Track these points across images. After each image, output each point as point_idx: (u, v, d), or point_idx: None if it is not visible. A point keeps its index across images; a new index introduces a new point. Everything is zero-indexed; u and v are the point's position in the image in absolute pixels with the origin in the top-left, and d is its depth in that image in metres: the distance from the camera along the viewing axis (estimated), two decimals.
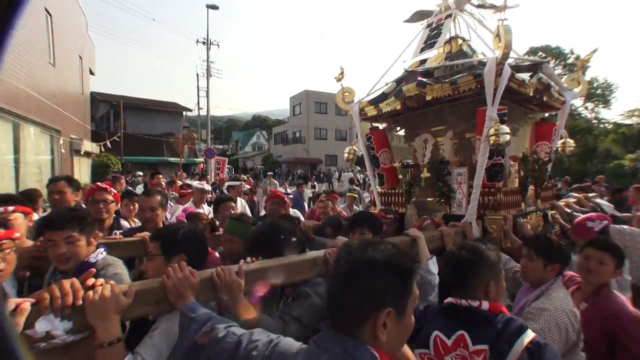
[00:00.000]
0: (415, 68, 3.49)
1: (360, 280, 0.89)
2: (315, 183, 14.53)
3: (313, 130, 35.68)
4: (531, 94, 3.02)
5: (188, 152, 22.04)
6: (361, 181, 15.70)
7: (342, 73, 3.63)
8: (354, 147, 3.89)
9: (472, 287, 1.38)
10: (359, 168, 18.65)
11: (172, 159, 21.50)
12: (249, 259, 1.52)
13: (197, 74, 21.28)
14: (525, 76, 3.02)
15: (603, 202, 5.63)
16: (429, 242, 2.12)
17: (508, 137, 2.44)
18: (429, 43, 3.48)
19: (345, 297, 0.91)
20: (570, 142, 3.92)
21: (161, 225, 2.70)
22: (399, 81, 3.52)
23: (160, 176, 7.35)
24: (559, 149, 3.90)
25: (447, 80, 2.91)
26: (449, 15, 3.55)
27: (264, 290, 1.46)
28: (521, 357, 1.21)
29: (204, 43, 20.64)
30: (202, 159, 20.89)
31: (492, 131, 2.43)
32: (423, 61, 3.66)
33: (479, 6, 3.35)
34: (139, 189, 6.74)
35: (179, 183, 7.54)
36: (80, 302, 1.09)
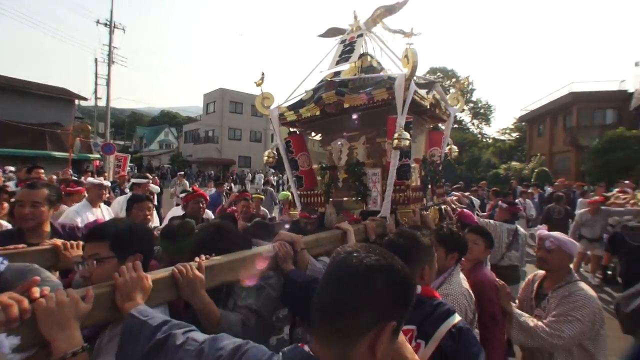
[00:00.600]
0: (332, 78, 3.80)
1: (373, 284, 0.80)
2: (232, 185, 14.02)
3: (227, 130, 34.47)
4: (428, 107, 3.56)
5: (80, 147, 18.72)
6: (275, 183, 15.77)
7: (262, 78, 3.73)
8: (273, 150, 4.02)
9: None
10: (273, 170, 18.67)
11: (57, 154, 18.01)
12: (203, 256, 1.51)
13: (96, 59, 18.53)
14: (423, 92, 3.54)
15: (474, 199, 7.44)
16: (355, 234, 2.37)
17: (408, 142, 2.86)
18: (344, 57, 3.82)
19: (350, 302, 0.79)
20: (454, 148, 4.70)
21: (49, 227, 2.26)
22: (316, 89, 3.77)
23: (41, 171, 6.20)
24: (447, 153, 4.62)
25: (362, 90, 3.26)
26: (360, 35, 3.96)
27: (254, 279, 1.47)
28: (444, 339, 1.33)
29: (105, 25, 18.24)
30: (98, 155, 18.10)
31: (396, 136, 2.82)
32: (337, 73, 4.00)
33: (392, 30, 3.82)
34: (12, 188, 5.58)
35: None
36: (29, 313, 0.96)
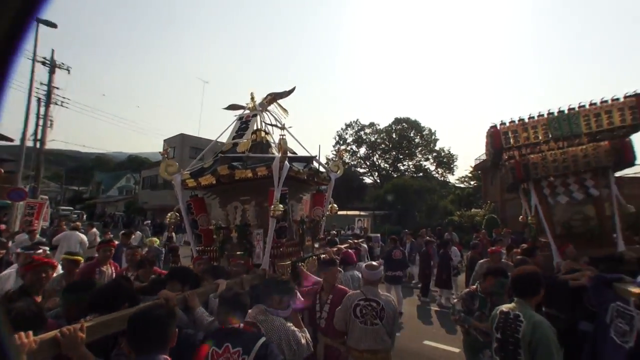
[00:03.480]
0: (228, 151, 4.56)
1: None
2: (173, 234, 13.16)
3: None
4: (305, 178, 4.51)
5: None
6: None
7: (166, 150, 4.35)
8: (175, 212, 4.55)
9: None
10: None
11: None
12: (88, 317, 1.97)
13: (39, 100, 16.54)
14: (300, 166, 4.48)
15: (363, 245, 8.74)
16: (231, 286, 3.02)
17: (281, 212, 3.69)
18: (239, 133, 4.67)
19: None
20: (335, 206, 5.69)
21: None
22: (215, 160, 4.49)
23: None
24: (330, 211, 5.58)
25: (249, 166, 4.06)
26: (255, 115, 4.87)
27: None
28: (259, 351, 2.03)
29: (44, 64, 16.62)
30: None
31: (272, 207, 3.65)
32: (235, 144, 4.79)
33: (270, 124, 4.86)
34: None
35: None
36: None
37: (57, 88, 17.58)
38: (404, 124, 41.64)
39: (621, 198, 5.15)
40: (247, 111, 5.07)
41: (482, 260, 6.43)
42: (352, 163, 41.33)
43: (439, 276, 8.88)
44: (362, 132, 42.61)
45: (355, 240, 8.30)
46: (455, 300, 3.55)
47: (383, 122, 60.52)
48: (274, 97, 5.18)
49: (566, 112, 5.02)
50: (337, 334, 3.20)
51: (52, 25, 15.50)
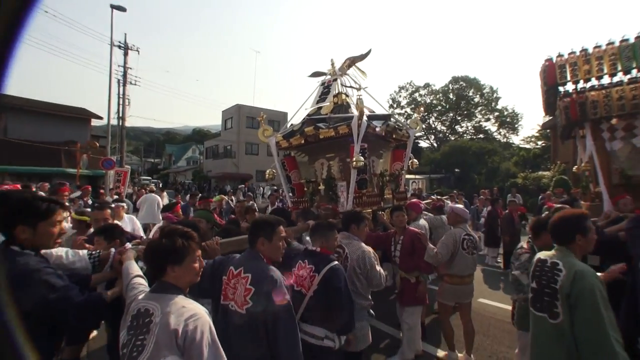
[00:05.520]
0: (314, 114, 5.12)
1: None
2: (233, 197, 15.22)
3: (244, 145, 34.37)
4: (383, 134, 4.86)
5: (87, 163, 20.07)
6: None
7: (262, 117, 5.08)
8: (272, 169, 5.34)
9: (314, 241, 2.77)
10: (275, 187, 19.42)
11: (71, 170, 19.52)
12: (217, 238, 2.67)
13: (119, 81, 19.97)
14: (379, 123, 4.84)
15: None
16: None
17: (362, 163, 4.15)
18: (322, 98, 5.19)
19: None
20: (415, 161, 5.94)
21: None
22: (302, 123, 5.10)
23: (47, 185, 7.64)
24: (410, 165, 5.86)
25: (331, 125, 4.57)
26: (335, 79, 5.31)
27: None
28: (326, 273, 2.37)
29: (119, 47, 19.78)
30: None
31: (354, 159, 4.13)
32: (319, 108, 5.33)
33: (348, 86, 5.21)
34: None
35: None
36: None
37: (131, 68, 19.98)
38: (462, 82, 38.39)
39: None
40: (329, 76, 5.53)
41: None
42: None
43: (487, 234, 8.31)
44: (416, 94, 40.18)
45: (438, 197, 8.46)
46: (518, 272, 2.96)
47: (439, 83, 54.96)
48: (352, 61, 5.53)
49: None
50: (410, 267, 3.66)
51: (122, 9, 17.51)
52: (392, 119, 5.26)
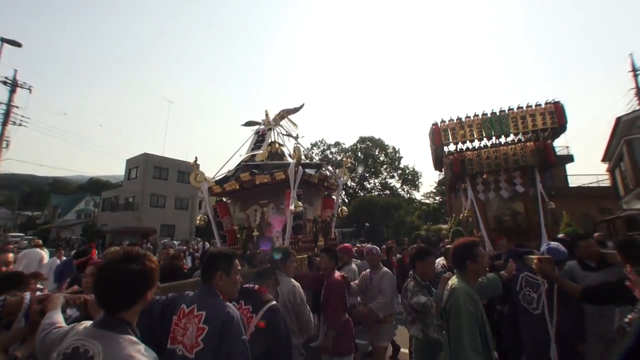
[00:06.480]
0: (248, 161, 5.18)
1: None
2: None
3: (149, 196, 31.77)
4: (316, 182, 5.09)
5: None
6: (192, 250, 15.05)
7: (195, 162, 4.99)
8: (203, 215, 5.15)
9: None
10: (199, 239, 18.03)
11: None
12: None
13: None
14: (312, 171, 5.08)
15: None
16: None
17: (301, 208, 4.27)
18: (257, 145, 5.31)
19: None
20: (344, 209, 6.25)
21: None
22: (236, 169, 5.11)
23: None
24: (340, 213, 6.13)
25: (267, 172, 4.67)
26: (270, 129, 5.52)
27: None
28: (264, 314, 2.27)
29: (5, 83, 17.38)
30: None
31: (293, 204, 4.23)
32: (252, 156, 5.41)
33: (285, 134, 5.48)
34: None
35: None
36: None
37: (16, 107, 17.42)
38: (369, 142, 41.85)
39: (545, 195, 5.69)
40: (262, 126, 5.74)
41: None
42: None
43: None
44: (328, 152, 42.53)
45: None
46: (415, 298, 3.07)
47: (348, 142, 61.04)
48: (286, 112, 5.85)
49: (498, 113, 5.72)
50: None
51: (17, 44, 15.90)
52: (323, 168, 5.56)
